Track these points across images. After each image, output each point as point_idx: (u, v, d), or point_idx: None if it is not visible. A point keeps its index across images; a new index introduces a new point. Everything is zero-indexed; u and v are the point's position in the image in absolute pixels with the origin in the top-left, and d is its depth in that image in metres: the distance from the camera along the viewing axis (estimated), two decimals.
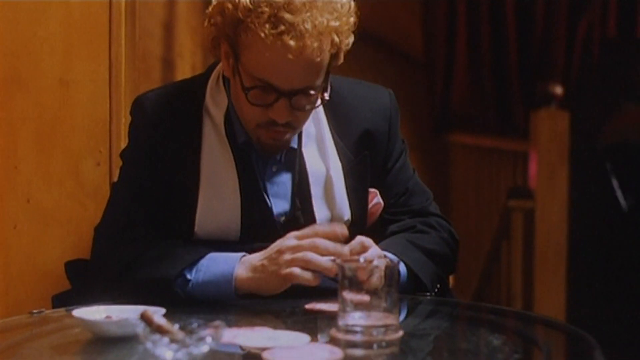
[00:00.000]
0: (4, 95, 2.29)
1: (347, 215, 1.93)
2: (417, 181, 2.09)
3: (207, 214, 1.88)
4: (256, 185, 1.91)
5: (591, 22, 6.04)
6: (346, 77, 2.05)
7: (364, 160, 1.97)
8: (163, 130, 1.93)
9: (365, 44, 2.29)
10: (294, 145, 1.93)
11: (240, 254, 1.81)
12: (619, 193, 4.30)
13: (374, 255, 1.75)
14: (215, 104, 1.93)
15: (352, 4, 1.83)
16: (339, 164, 1.94)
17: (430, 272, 1.92)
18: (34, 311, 1.73)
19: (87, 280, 1.98)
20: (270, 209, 1.91)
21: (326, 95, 1.86)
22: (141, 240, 1.90)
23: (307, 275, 1.71)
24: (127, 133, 2.13)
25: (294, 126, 1.86)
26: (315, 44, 1.74)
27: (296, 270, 1.71)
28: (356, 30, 1.85)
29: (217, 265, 1.80)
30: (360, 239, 1.78)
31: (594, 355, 1.38)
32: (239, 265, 1.79)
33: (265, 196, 1.91)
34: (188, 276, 1.79)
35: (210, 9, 1.85)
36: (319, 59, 1.77)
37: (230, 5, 1.78)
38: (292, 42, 1.72)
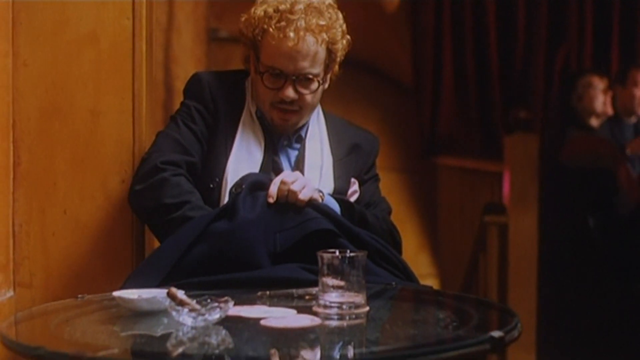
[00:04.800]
0: (45, 124, 2.49)
1: (330, 189, 2.41)
2: (384, 199, 2.57)
3: (238, 158, 2.37)
4: (274, 146, 2.43)
5: (568, 53, 6.30)
6: (344, 106, 2.55)
7: (350, 160, 2.49)
8: (215, 94, 2.44)
9: (358, 72, 2.70)
10: (302, 134, 2.46)
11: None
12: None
13: (293, 174, 2.28)
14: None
15: (340, 15, 2.41)
16: (331, 158, 2.45)
17: (356, 209, 2.38)
18: (79, 296, 2.10)
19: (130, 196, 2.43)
20: (280, 169, 2.40)
21: (326, 85, 2.44)
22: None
23: None
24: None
25: (301, 106, 2.39)
26: (308, 38, 2.32)
27: None
28: (348, 40, 2.43)
29: None
30: (282, 173, 2.31)
31: (513, 322, 1.78)
32: None
33: (277, 159, 2.42)
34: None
35: (240, 27, 2.42)
36: (313, 50, 2.34)
37: (252, 18, 2.36)
38: (291, 34, 2.31)
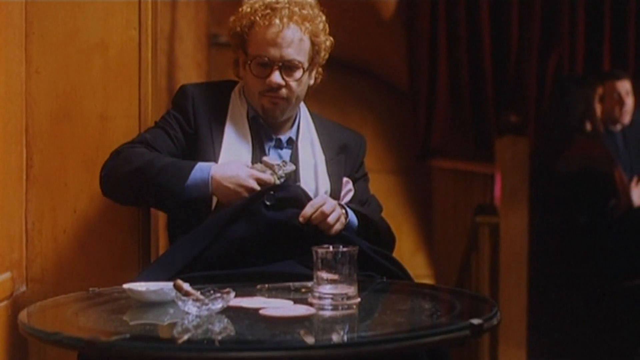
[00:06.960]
0: (57, 128, 2.59)
1: (326, 187, 2.51)
2: (374, 197, 2.68)
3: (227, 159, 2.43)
4: (262, 148, 2.52)
5: (560, 57, 6.37)
6: (340, 109, 2.67)
7: (340, 159, 2.59)
8: (197, 106, 2.53)
9: (354, 76, 2.83)
10: (293, 136, 2.57)
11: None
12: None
13: (331, 204, 2.35)
14: (240, 91, 2.58)
15: (321, 14, 2.54)
16: (323, 157, 2.56)
17: (375, 217, 2.49)
18: (90, 289, 2.23)
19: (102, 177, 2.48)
20: None
21: (311, 81, 2.55)
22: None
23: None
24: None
25: (288, 95, 2.49)
26: (292, 25, 2.45)
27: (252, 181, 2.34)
28: (331, 41, 2.56)
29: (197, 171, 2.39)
30: (320, 197, 2.37)
31: (493, 310, 1.92)
32: (214, 167, 2.39)
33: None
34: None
35: (229, 27, 2.54)
36: (298, 37, 2.47)
37: (239, 15, 2.49)
38: (276, 21, 2.44)
